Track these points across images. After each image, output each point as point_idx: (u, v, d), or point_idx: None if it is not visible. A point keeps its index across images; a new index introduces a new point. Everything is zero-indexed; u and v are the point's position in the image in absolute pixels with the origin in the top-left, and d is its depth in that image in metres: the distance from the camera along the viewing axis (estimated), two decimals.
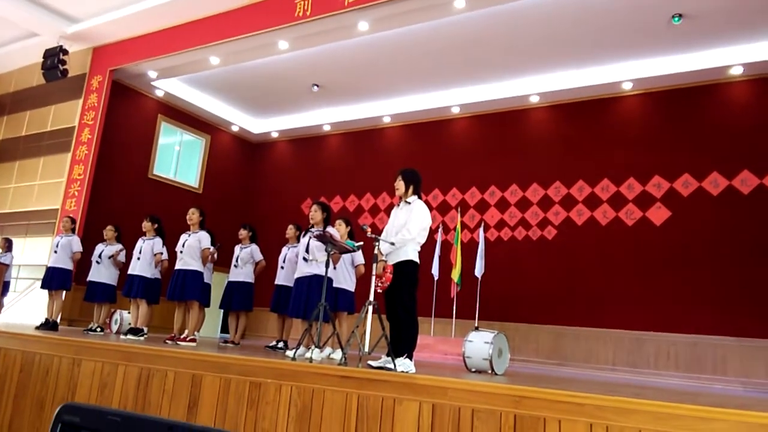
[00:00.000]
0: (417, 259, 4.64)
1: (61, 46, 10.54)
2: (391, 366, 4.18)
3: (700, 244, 9.12)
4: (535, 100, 10.81)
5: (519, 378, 4.95)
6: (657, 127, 9.87)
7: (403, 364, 4.23)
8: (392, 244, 4.56)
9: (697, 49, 9.13)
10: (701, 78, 9.48)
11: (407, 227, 4.57)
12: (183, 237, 6.95)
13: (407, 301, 4.50)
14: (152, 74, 11.24)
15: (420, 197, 4.84)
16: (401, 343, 4.40)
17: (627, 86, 10.02)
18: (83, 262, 8.53)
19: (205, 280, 7.18)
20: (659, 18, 8.48)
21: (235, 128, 13.82)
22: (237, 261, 7.65)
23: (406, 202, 4.79)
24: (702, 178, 9.34)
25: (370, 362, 4.30)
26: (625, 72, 9.82)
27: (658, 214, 9.56)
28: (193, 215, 6.98)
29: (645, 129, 9.96)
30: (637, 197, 9.76)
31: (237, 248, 7.79)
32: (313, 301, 5.50)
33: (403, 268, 4.55)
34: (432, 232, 7.59)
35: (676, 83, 9.70)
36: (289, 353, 5.22)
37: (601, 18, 8.61)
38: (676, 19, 8.37)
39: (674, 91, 9.80)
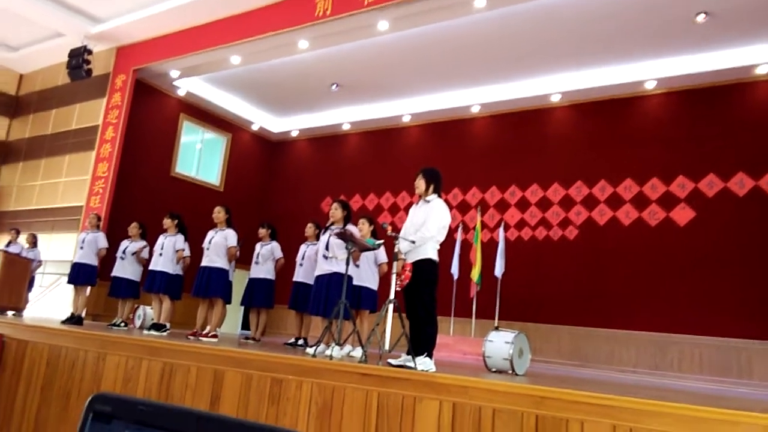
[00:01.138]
0: (436, 258, 4.62)
1: (85, 46, 10.71)
2: (412, 364, 4.18)
3: (725, 245, 8.96)
4: (556, 98, 10.71)
5: (540, 378, 4.91)
6: (681, 126, 9.72)
7: (424, 363, 4.23)
8: (412, 242, 4.55)
9: (722, 47, 8.97)
10: (726, 77, 9.30)
11: (426, 225, 4.56)
12: (210, 234, 7.03)
13: (427, 300, 4.49)
14: (174, 73, 11.37)
15: (440, 196, 4.82)
16: (421, 342, 4.40)
17: (650, 85, 9.88)
18: (107, 258, 8.66)
19: (229, 278, 7.24)
20: (683, 16, 8.34)
21: (255, 127, 13.92)
22: (258, 258, 7.70)
23: (425, 200, 4.78)
24: (727, 179, 9.18)
25: (390, 360, 4.31)
26: (649, 71, 9.68)
27: (683, 215, 9.41)
28: (219, 213, 7.05)
29: (669, 128, 9.82)
30: (661, 197, 9.63)
31: (258, 246, 7.85)
32: (333, 299, 5.51)
33: (422, 266, 4.54)
34: (452, 231, 7.58)
35: (700, 82, 9.54)
36: (310, 350, 5.25)
37: (624, 16, 8.50)
38: (700, 16, 8.23)
39: (699, 90, 9.64)
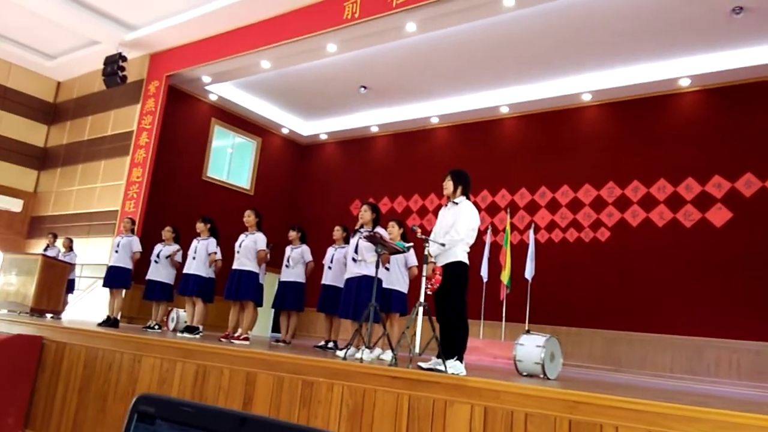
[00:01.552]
0: (466, 260, 4.60)
1: (120, 53, 10.97)
2: (442, 368, 4.16)
3: (763, 246, 8.71)
4: (587, 98, 10.57)
5: (573, 383, 4.84)
6: (717, 124, 9.49)
7: (454, 366, 4.21)
8: (442, 245, 4.53)
9: (759, 43, 8.74)
10: (763, 73, 9.06)
11: (455, 228, 4.53)
12: (240, 237, 7.12)
13: (456, 303, 4.46)
14: (206, 79, 11.55)
15: (468, 198, 4.79)
16: (451, 346, 4.38)
17: (685, 82, 9.67)
18: (141, 262, 8.83)
19: (259, 281, 7.32)
20: (718, 11, 8.16)
21: (285, 131, 14.06)
22: (288, 261, 7.76)
23: (453, 202, 4.76)
24: (765, 178, 8.93)
25: (420, 363, 4.30)
26: (683, 68, 9.48)
27: (719, 216, 9.19)
28: (249, 217, 7.15)
29: (704, 127, 9.60)
30: (696, 198, 9.41)
31: (288, 249, 7.91)
32: (363, 302, 5.52)
33: (452, 269, 4.52)
34: (481, 233, 7.52)
35: (736, 79, 9.30)
36: (340, 353, 5.27)
37: (656, 12, 8.35)
38: (736, 11, 8.03)
39: (735, 87, 9.41)
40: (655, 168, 9.84)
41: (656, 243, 9.58)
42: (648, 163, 9.91)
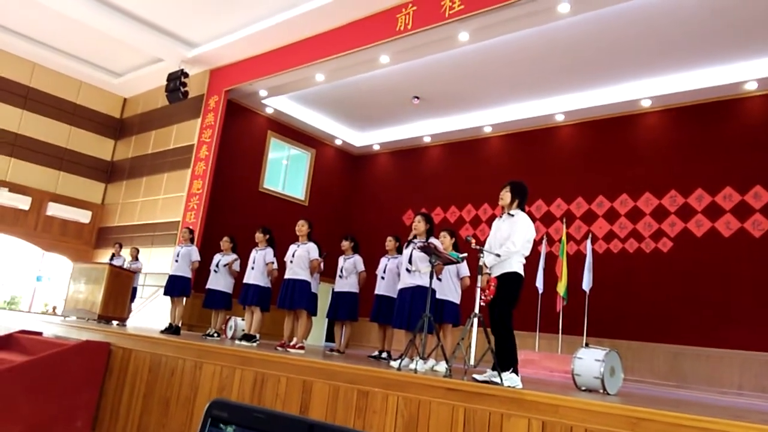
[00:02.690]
0: (522, 272, 4.54)
1: (182, 70, 11.41)
2: (497, 380, 4.11)
3: None
4: (646, 104, 10.26)
5: (634, 399, 4.69)
6: None
7: (510, 379, 4.14)
8: (498, 256, 4.49)
9: None
10: None
11: (512, 239, 4.49)
12: (292, 248, 7.24)
13: (505, 315, 4.41)
14: (263, 93, 11.87)
15: (524, 210, 4.74)
16: (504, 358, 4.31)
17: (751, 86, 9.26)
18: (201, 271, 9.10)
19: (312, 290, 7.42)
20: None
21: (338, 142, 14.25)
22: (342, 271, 7.82)
23: (508, 213, 4.71)
24: None
25: (475, 376, 4.26)
26: (748, 71, 9.09)
27: None
28: (302, 227, 7.27)
29: None
30: (766, 206, 8.97)
31: (341, 259, 7.98)
32: (417, 312, 5.52)
33: (506, 280, 4.47)
34: (536, 244, 7.39)
35: None
36: (394, 363, 5.27)
37: (714, 16, 8.04)
38: None
39: None
40: (720, 175, 9.45)
41: (723, 253, 9.17)
42: (712, 171, 9.53)
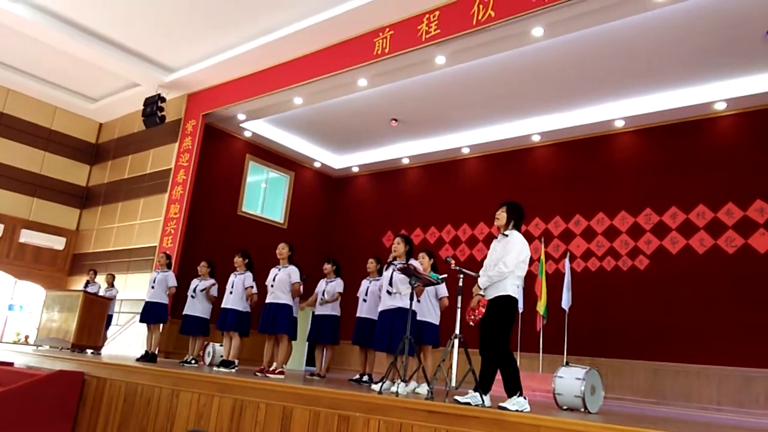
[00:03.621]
0: (516, 295, 4.46)
1: (159, 95, 11.37)
2: (479, 401, 4.09)
3: None
4: (620, 124, 10.47)
5: (616, 417, 4.70)
6: (755, 148, 9.26)
7: (517, 403, 4.02)
8: (489, 277, 4.45)
9: None
10: None
11: (504, 260, 4.43)
12: (273, 271, 7.18)
13: (502, 338, 4.35)
14: (241, 116, 11.85)
15: (519, 230, 4.72)
16: (510, 383, 4.23)
17: (720, 106, 9.51)
18: (178, 296, 8.95)
19: (293, 314, 7.34)
20: (752, 34, 8.05)
21: (317, 164, 14.26)
22: (324, 295, 7.77)
23: (503, 234, 4.69)
24: None
25: (456, 397, 4.23)
26: (718, 91, 9.34)
27: (762, 241, 8.90)
28: (282, 250, 7.22)
29: (742, 151, 9.38)
30: (738, 223, 9.16)
31: (322, 282, 7.93)
32: (398, 334, 5.49)
33: (499, 303, 4.42)
34: None
35: None
36: (375, 387, 5.23)
37: (688, 38, 8.28)
38: None
39: None
40: (693, 194, 9.63)
41: (698, 270, 9.31)
42: (685, 189, 9.71)
